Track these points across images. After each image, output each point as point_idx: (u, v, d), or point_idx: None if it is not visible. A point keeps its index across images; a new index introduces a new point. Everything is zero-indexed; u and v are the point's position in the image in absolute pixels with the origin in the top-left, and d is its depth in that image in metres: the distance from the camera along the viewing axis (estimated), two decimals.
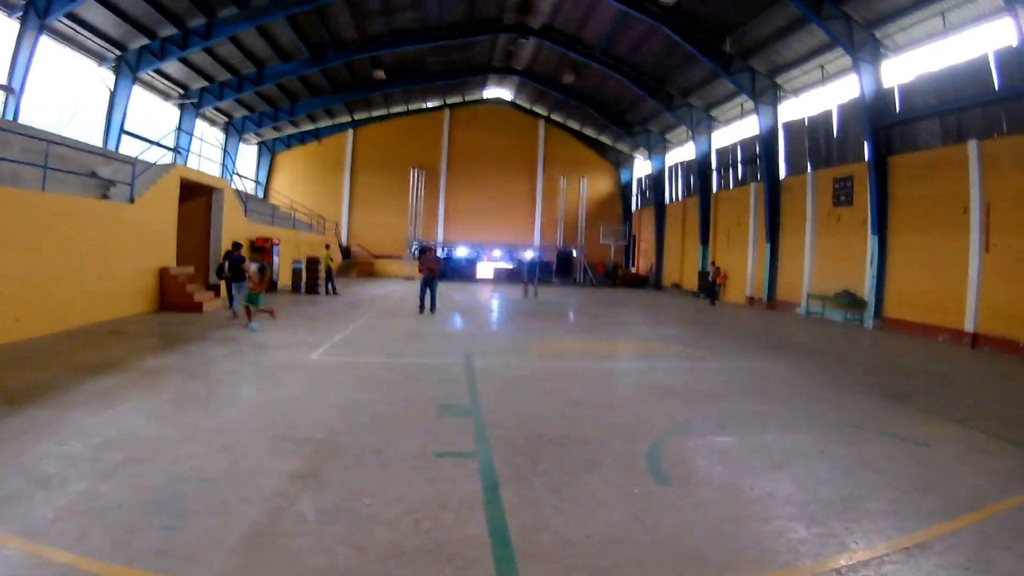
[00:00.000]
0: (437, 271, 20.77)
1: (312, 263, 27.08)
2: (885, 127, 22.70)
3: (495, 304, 25.91)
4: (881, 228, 22.68)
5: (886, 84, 22.74)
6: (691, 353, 13.84)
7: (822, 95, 27.29)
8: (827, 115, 26.74)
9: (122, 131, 26.78)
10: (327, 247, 28.47)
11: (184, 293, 19.20)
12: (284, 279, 28.60)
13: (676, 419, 8.11)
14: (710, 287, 30.97)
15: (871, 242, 23.06)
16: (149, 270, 18.72)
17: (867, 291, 23.31)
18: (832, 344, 17.44)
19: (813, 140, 27.77)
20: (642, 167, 48.53)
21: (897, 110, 22.41)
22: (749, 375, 11.67)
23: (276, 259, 27.32)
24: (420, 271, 21.46)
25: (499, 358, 12.15)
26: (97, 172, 18.48)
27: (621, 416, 8.19)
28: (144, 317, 16.75)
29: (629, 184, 50.77)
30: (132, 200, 17.73)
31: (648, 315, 23.65)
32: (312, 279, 26.91)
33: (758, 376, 11.56)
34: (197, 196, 23.59)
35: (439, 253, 44.92)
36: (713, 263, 30.11)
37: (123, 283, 17.14)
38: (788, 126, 29.36)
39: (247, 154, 44.56)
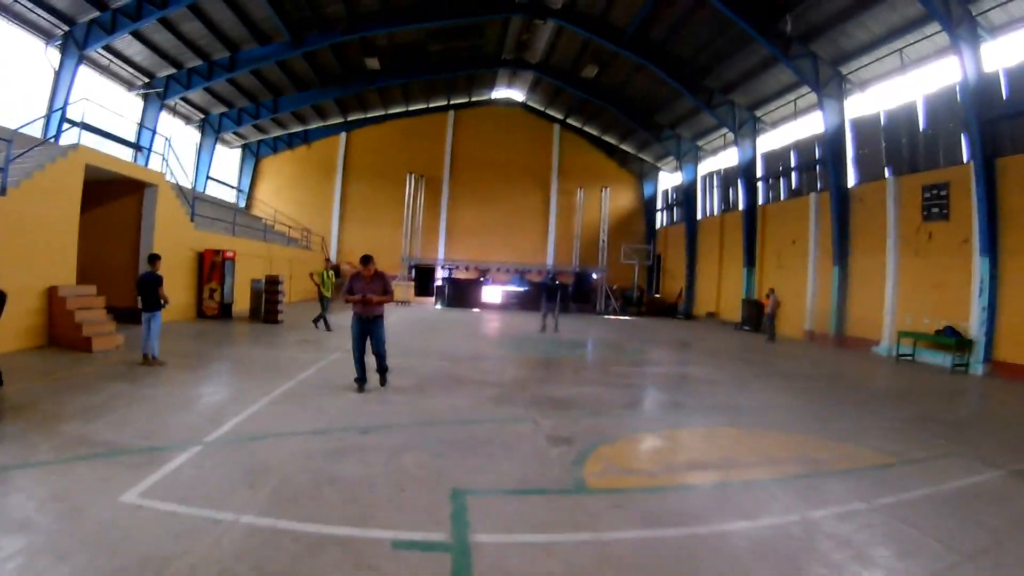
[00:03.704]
0: (379, 306, 10.86)
1: (271, 284, 21.22)
2: (991, 121, 17.73)
3: (502, 349, 18.75)
4: (992, 248, 17.61)
5: (989, 68, 17.88)
6: (889, 462, 7.85)
7: (900, 86, 21.96)
8: (910, 108, 21.77)
9: (64, 119, 21.68)
10: (329, 263, 22.18)
11: (72, 323, 13.62)
12: (241, 303, 22.66)
13: None
14: (766, 319, 25.09)
15: (979, 266, 18.01)
16: (30, 289, 13.39)
17: (974, 328, 18.06)
18: None
19: (892, 140, 22.57)
20: (667, 180, 42.64)
21: (1004, 98, 17.61)
22: None
23: (229, 278, 21.37)
24: (349, 302, 10.92)
25: (521, 520, 5.63)
26: None
27: None
28: None
29: (653, 198, 44.46)
30: (3, 191, 12.74)
31: (715, 364, 17.21)
32: (270, 304, 21.08)
33: None
34: (124, 194, 18.30)
35: (440, 272, 38.82)
36: (772, 291, 24.53)
37: None
38: (858, 124, 23.92)
39: (230, 159, 38.93)
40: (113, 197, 18.27)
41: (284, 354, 14.67)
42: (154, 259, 12.32)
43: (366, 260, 10.80)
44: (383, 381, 11.00)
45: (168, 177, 20.18)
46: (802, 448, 8.36)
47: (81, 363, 11.77)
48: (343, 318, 20.43)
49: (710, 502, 6.19)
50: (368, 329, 10.73)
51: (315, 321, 19.81)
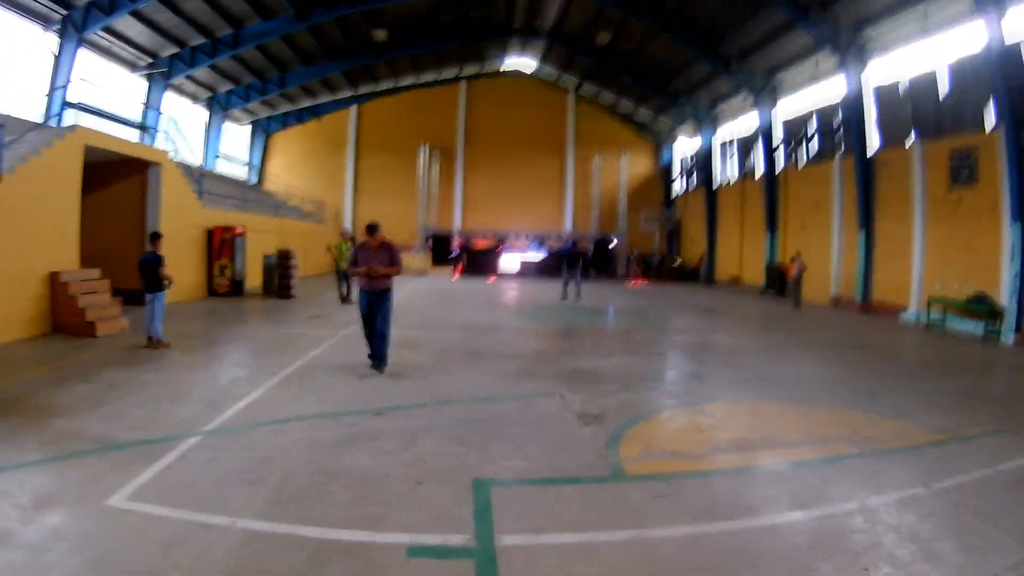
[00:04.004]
0: (386, 279, 9.87)
1: (283, 259, 20.64)
2: (1019, 86, 16.58)
3: (523, 319, 18.07)
4: (1023, 214, 16.54)
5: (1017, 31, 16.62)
6: (925, 438, 7.11)
7: (923, 50, 20.71)
8: (934, 72, 20.52)
9: (65, 103, 21.14)
10: (346, 235, 21.32)
11: (75, 308, 13.10)
12: (254, 279, 22.04)
13: None
14: (791, 284, 24.28)
15: (1010, 232, 16.90)
16: (31, 275, 12.83)
17: (1005, 296, 17.00)
18: None
19: (916, 104, 21.40)
20: (684, 146, 41.23)
21: None
22: None
23: (240, 254, 20.80)
24: (353, 276, 11.64)
25: (553, 516, 4.94)
26: None
27: None
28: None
29: (670, 165, 43.15)
30: None
31: (743, 331, 16.53)
32: (283, 279, 20.53)
33: None
34: (128, 174, 17.61)
35: (456, 242, 38.16)
36: (798, 254, 23.63)
37: None
38: (880, 87, 22.70)
39: (241, 136, 38.09)
40: (117, 178, 17.62)
41: (294, 331, 14.09)
42: (155, 238, 11.69)
43: (372, 229, 9.84)
44: (377, 365, 9.73)
45: (173, 155, 19.61)
46: (848, 424, 7.64)
47: (83, 349, 11.22)
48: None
49: (761, 489, 5.51)
50: (373, 305, 9.77)
51: (345, 298, 19.04)
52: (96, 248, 15.78)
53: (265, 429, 6.71)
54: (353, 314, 16.61)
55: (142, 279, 11.43)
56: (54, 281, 13.22)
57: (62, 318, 13.11)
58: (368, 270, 9.58)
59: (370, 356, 9.87)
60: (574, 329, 16.21)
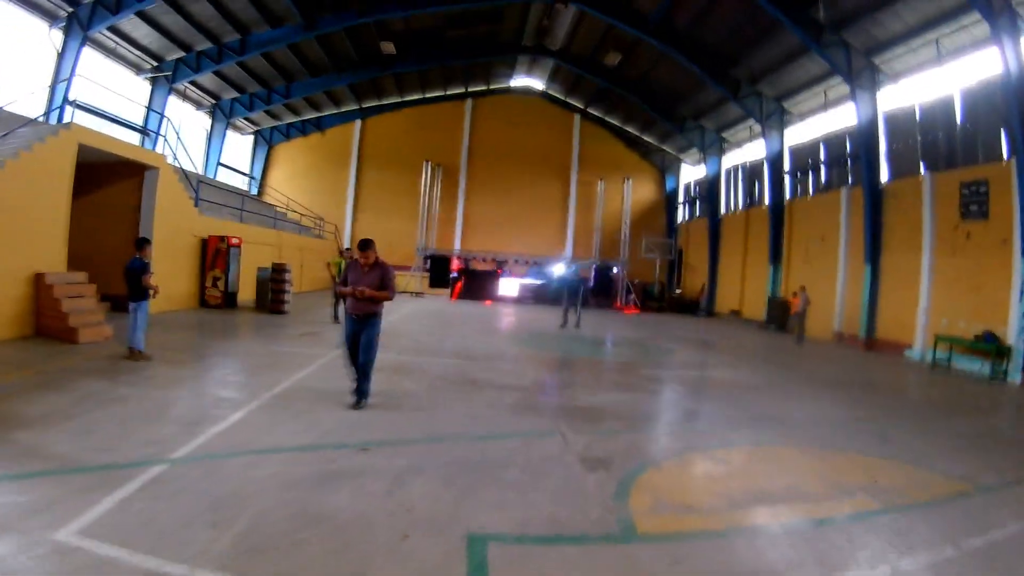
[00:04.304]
0: (374, 303, 8.67)
1: (278, 272, 19.89)
2: None
3: (521, 346, 17.25)
4: None
5: None
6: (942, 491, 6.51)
7: (935, 78, 20.44)
8: (946, 102, 20.18)
9: (66, 101, 20.67)
10: (346, 253, 19.89)
11: (58, 312, 12.51)
12: (247, 292, 21.41)
13: None
14: (794, 319, 23.69)
15: (1020, 268, 16.70)
16: (16, 275, 12.39)
17: (1013, 334, 16.67)
18: None
19: (927, 134, 21.03)
20: (690, 173, 40.79)
21: None
22: None
23: (234, 266, 20.21)
24: (341, 295, 10.22)
25: (556, 573, 4.41)
26: None
27: None
28: None
29: (675, 192, 42.54)
30: None
31: (749, 367, 15.83)
32: (276, 294, 19.80)
33: None
34: (124, 177, 17.13)
35: (455, 264, 37.35)
36: (803, 289, 23.11)
37: None
38: (891, 117, 22.32)
39: (242, 146, 37.72)
40: (113, 180, 17.15)
41: (283, 349, 13.44)
42: (142, 244, 11.08)
43: (364, 245, 8.62)
44: (358, 401, 8.53)
45: (171, 160, 19.08)
46: (867, 472, 7.11)
47: (62, 356, 10.64)
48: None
49: (785, 550, 4.88)
50: (358, 331, 8.59)
51: (336, 319, 17.96)
52: (88, 251, 15.30)
53: (240, 459, 6.09)
54: (314, 349, 16.11)
55: (127, 286, 10.86)
56: (39, 282, 12.70)
57: (45, 321, 12.61)
58: (354, 291, 8.42)
59: (355, 394, 8.65)
60: (574, 360, 15.57)
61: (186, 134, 29.68)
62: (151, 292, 10.86)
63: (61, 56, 20.69)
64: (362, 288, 8.42)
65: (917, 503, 6.15)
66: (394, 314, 22.92)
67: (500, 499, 5.58)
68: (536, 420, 8.62)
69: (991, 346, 16.95)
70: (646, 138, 40.76)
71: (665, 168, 42.57)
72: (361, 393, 8.63)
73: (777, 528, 5.36)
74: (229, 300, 20.09)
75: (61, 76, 20.61)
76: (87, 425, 6.81)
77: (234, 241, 20.22)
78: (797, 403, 11.22)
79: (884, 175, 22.78)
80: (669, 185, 42.72)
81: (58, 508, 4.63)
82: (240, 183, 36.57)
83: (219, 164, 32.98)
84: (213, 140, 32.28)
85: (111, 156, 15.70)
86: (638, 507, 5.62)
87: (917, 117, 21.43)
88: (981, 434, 9.58)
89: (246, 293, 21.38)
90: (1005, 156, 17.74)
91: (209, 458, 6.08)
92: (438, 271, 36.10)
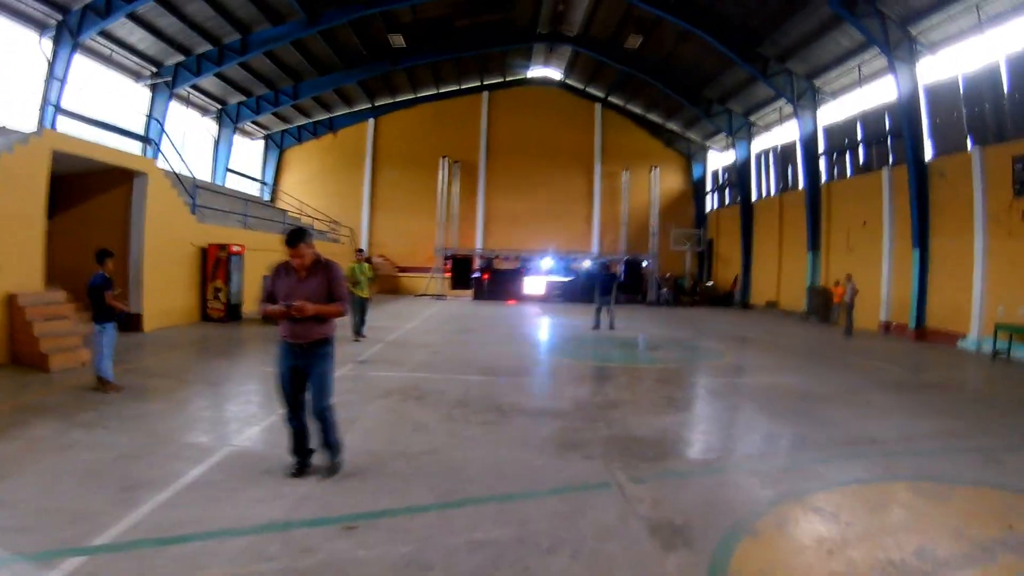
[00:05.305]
0: (322, 324, 5.84)
1: None
2: None
3: (553, 354, 15.48)
4: None
5: None
6: None
7: (977, 47, 18.87)
8: (992, 71, 18.53)
9: (58, 109, 19.46)
10: (360, 254, 17.17)
11: (31, 337, 10.93)
12: (252, 303, 19.38)
13: None
14: (837, 309, 21.78)
15: None
16: None
17: None
18: None
19: (973, 106, 19.33)
20: (717, 160, 38.77)
21: None
22: None
23: (236, 275, 18.54)
24: (268, 316, 6.03)
25: None
26: None
27: None
28: None
29: (702, 180, 40.37)
30: None
31: (809, 369, 13.77)
32: None
33: None
34: (112, 185, 15.67)
35: (477, 263, 35.63)
36: (848, 277, 21.21)
37: None
38: (932, 90, 20.53)
39: (253, 152, 36.39)
40: (102, 189, 15.74)
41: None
42: (102, 257, 9.25)
43: (294, 239, 5.67)
44: (328, 469, 5.96)
45: (165, 165, 17.51)
46: (999, 515, 5.45)
47: (26, 389, 9.15)
48: (390, 318, 17.44)
49: None
50: (301, 367, 5.86)
51: (358, 332, 15.72)
52: (76, 266, 13.60)
53: (179, 549, 4.31)
54: (363, 349, 14.37)
55: (91, 306, 9.19)
56: (12, 305, 11.19)
57: (19, 348, 11.09)
58: (288, 309, 5.60)
59: (294, 453, 5.98)
60: (614, 369, 13.53)
61: (193, 141, 28.38)
62: (118, 312, 9.16)
63: (52, 65, 19.52)
64: (300, 303, 5.59)
65: None
66: (412, 322, 21.20)
67: None
68: (582, 464, 6.60)
69: None
70: (670, 126, 38.76)
71: (691, 156, 40.47)
72: (331, 449, 6.03)
73: None
74: (232, 313, 18.42)
75: (52, 85, 19.44)
76: (12, 491, 5.25)
77: (235, 249, 18.50)
78: (876, 416, 9.29)
79: (928, 152, 20.90)
80: (696, 173, 40.58)
81: None
82: (253, 189, 35.12)
83: (228, 170, 31.50)
84: (221, 146, 30.88)
85: (94, 163, 14.26)
86: None
87: (960, 89, 19.72)
88: None
89: (252, 304, 19.41)
90: None
91: (141, 547, 4.33)
92: (460, 272, 34.28)
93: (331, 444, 6.02)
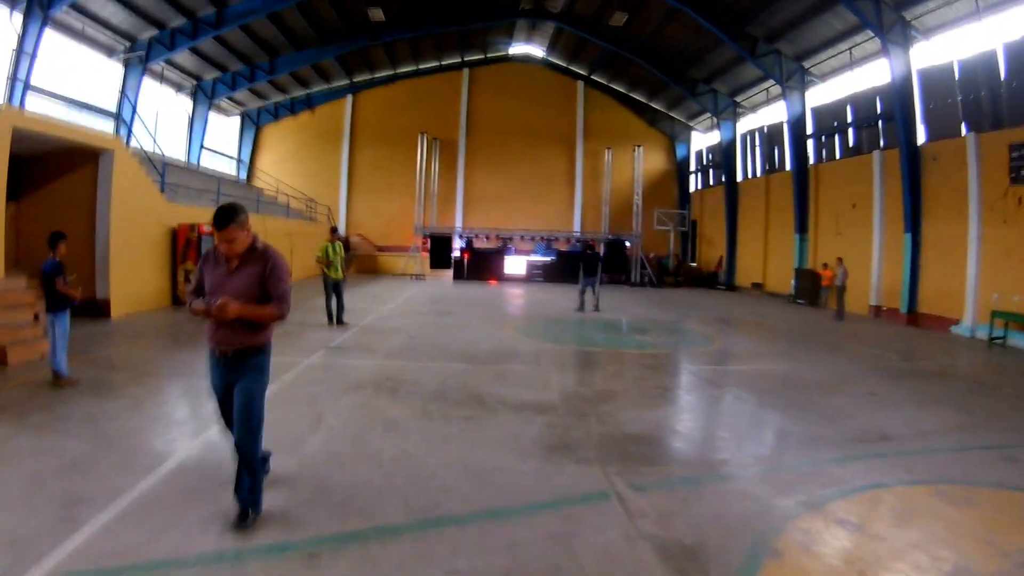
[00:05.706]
0: (254, 329, 4.61)
1: None
2: None
3: (537, 338, 14.62)
4: None
5: None
6: None
7: (974, 32, 18.67)
8: (988, 58, 18.29)
9: (27, 87, 18.47)
10: (335, 233, 15.86)
11: None
12: None
13: None
14: (826, 292, 21.42)
15: None
16: None
17: None
18: None
19: (968, 92, 19.07)
20: (701, 141, 38.17)
21: None
22: None
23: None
24: (195, 314, 4.66)
25: None
26: None
27: None
28: None
29: (686, 160, 39.68)
30: None
31: (805, 355, 13.35)
32: None
33: None
34: (78, 165, 14.80)
35: (457, 242, 34.73)
36: (840, 261, 20.88)
37: None
38: (927, 75, 20.15)
39: (229, 129, 35.15)
40: (66, 170, 14.89)
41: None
42: (55, 240, 8.46)
43: (223, 219, 4.41)
44: (242, 513, 4.51)
45: (133, 142, 16.66)
46: None
47: None
48: (367, 300, 16.78)
49: None
50: (228, 377, 4.68)
51: (335, 318, 14.92)
52: (44, 251, 12.92)
53: None
54: (335, 335, 13.68)
55: (44, 294, 8.46)
56: None
57: None
58: (214, 309, 4.36)
59: (239, 503, 4.60)
60: (602, 355, 13.01)
61: (167, 118, 27.43)
62: (70, 300, 8.43)
63: (21, 40, 18.33)
64: (222, 301, 4.36)
65: None
66: (389, 304, 20.47)
67: None
68: (575, 469, 5.95)
69: None
70: (654, 105, 37.98)
71: (675, 136, 39.78)
72: (244, 500, 4.58)
73: None
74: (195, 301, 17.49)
75: (22, 61, 18.27)
76: None
77: (205, 229, 17.55)
78: (883, 408, 8.83)
79: (920, 137, 20.55)
80: (680, 153, 39.92)
81: None
82: (229, 167, 34.13)
83: (203, 148, 30.43)
84: (195, 123, 29.70)
85: (57, 141, 13.41)
86: None
87: (956, 74, 19.41)
88: None
89: None
90: None
91: None
92: (439, 251, 33.41)
93: (244, 496, 4.59)
